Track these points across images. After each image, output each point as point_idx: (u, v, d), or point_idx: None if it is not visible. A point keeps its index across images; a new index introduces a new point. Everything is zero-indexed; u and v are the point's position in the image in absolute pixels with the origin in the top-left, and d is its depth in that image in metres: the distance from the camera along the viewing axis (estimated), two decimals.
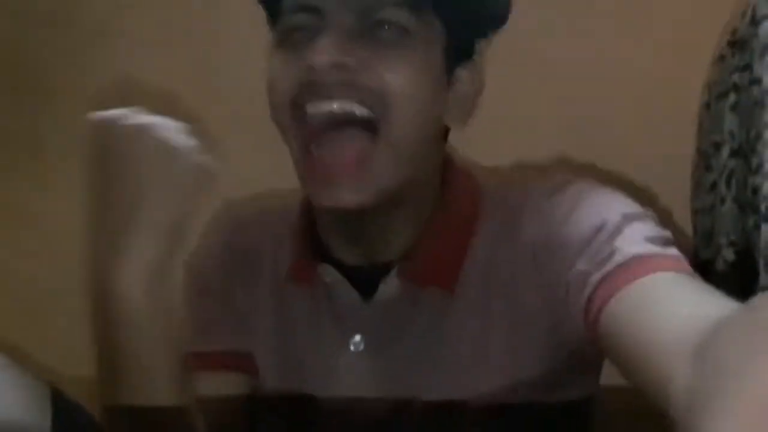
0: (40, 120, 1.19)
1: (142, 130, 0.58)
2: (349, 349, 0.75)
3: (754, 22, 0.85)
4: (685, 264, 0.63)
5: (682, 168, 0.95)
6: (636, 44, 1.03)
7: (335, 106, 0.66)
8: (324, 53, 0.64)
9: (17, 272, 1.22)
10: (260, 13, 0.75)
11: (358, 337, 0.74)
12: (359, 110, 0.66)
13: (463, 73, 0.72)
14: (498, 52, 1.00)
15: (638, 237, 0.64)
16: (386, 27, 0.66)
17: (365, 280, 0.74)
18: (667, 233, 0.66)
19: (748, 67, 0.86)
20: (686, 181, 0.95)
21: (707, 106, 0.93)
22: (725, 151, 0.88)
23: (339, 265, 0.75)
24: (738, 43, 0.88)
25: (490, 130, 0.91)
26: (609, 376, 0.75)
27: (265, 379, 0.78)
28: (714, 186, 0.89)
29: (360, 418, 0.74)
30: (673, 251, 0.64)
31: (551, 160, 1.03)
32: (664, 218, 0.70)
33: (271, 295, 0.79)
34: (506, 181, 0.78)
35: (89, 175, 0.60)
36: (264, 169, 0.92)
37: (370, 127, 0.67)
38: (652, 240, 0.64)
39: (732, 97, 0.88)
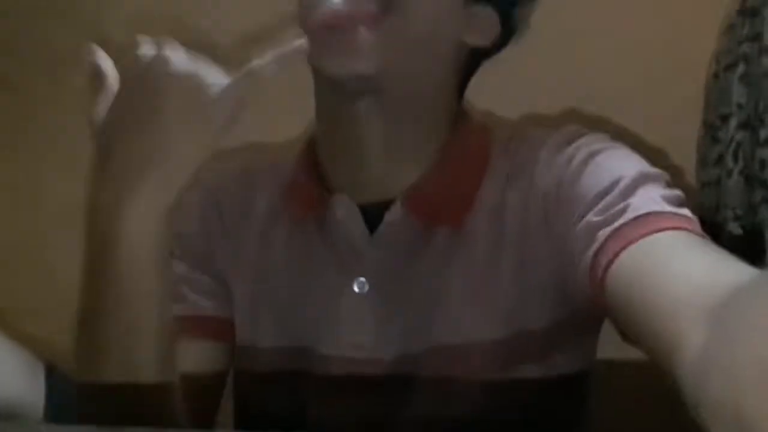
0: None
1: (169, 61, 0.57)
2: (353, 290, 0.72)
3: None
4: (697, 225, 0.61)
5: (691, 130, 0.94)
6: (646, 12, 1.01)
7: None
8: None
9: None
10: None
11: (362, 278, 0.72)
12: (366, 5, 0.67)
13: (479, 12, 0.73)
14: None
15: (653, 195, 0.62)
16: None
17: (371, 219, 0.72)
18: (681, 194, 0.65)
19: (757, 37, 0.84)
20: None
21: (715, 76, 0.91)
22: (733, 123, 0.86)
23: None
24: (748, 12, 0.86)
25: (501, 84, 0.90)
26: (605, 350, 0.75)
27: (258, 335, 0.77)
28: (720, 159, 0.88)
29: (357, 378, 0.73)
30: (686, 212, 0.62)
31: (562, 112, 1.01)
32: (675, 177, 0.69)
33: (260, 247, 0.77)
34: (520, 130, 0.77)
35: (107, 104, 0.57)
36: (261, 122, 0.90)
37: (379, 15, 0.67)
38: (666, 199, 0.62)
39: (741, 68, 0.86)
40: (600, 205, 0.63)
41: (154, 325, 0.59)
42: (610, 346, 0.68)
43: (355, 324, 0.73)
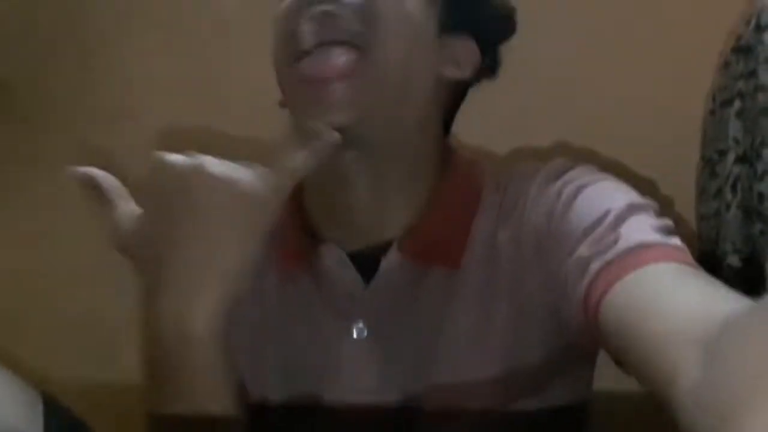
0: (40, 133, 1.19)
1: (205, 167, 0.58)
2: (352, 336, 0.73)
3: (760, 28, 0.85)
4: (688, 256, 0.62)
5: (684, 160, 0.95)
6: (640, 46, 1.03)
7: (322, 37, 0.68)
8: (307, 35, 0.67)
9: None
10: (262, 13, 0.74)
11: (360, 324, 0.73)
12: (346, 34, 0.67)
13: (455, 41, 0.73)
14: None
15: (643, 225, 0.63)
16: None
17: (365, 264, 0.73)
18: (670, 223, 0.65)
19: (753, 74, 0.86)
20: (688, 172, 0.94)
21: (712, 113, 0.92)
22: (730, 158, 0.87)
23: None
24: (743, 50, 0.87)
25: (489, 118, 0.91)
26: (602, 379, 0.75)
27: (263, 380, 0.77)
28: (719, 192, 0.89)
29: (361, 421, 0.73)
30: (677, 242, 0.63)
31: (551, 146, 1.03)
32: (665, 207, 0.69)
33: (252, 300, 0.77)
34: (509, 165, 0.77)
35: (150, 215, 0.59)
36: None
37: (357, 43, 0.68)
38: (656, 229, 0.63)
39: (737, 104, 0.87)
40: (590, 238, 0.63)
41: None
42: (608, 378, 0.69)
43: (357, 369, 0.73)
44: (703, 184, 0.93)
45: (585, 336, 0.63)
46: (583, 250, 0.63)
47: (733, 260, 0.86)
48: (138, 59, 1.15)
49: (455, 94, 0.78)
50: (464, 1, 0.74)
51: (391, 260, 0.72)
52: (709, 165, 0.91)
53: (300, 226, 0.76)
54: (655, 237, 0.62)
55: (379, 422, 0.72)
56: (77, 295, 1.19)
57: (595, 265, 0.61)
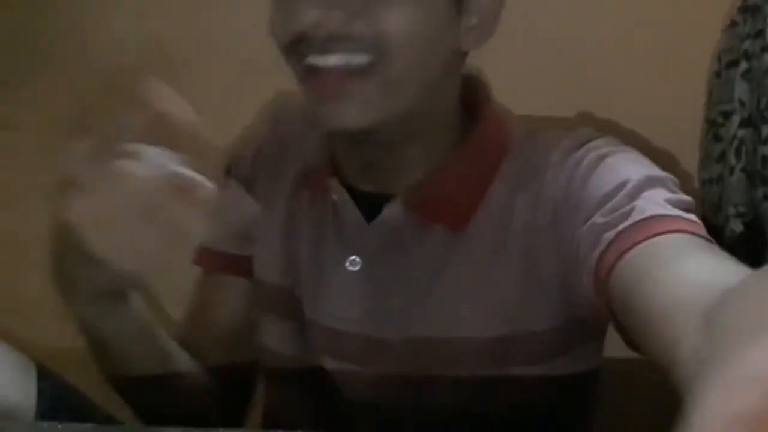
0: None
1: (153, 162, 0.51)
2: (346, 267, 0.74)
3: None
4: (702, 229, 0.61)
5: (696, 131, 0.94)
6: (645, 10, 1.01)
7: (330, 60, 0.64)
8: (309, 10, 0.63)
9: None
10: None
11: (355, 258, 0.74)
12: (356, 59, 0.64)
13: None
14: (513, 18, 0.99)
15: (659, 198, 0.62)
16: None
17: (372, 205, 0.73)
18: (689, 199, 0.64)
19: (760, 34, 0.84)
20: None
21: (717, 74, 0.91)
22: (735, 121, 0.86)
23: (348, 187, 0.75)
24: (750, 9, 0.86)
25: (508, 86, 0.89)
26: (613, 348, 0.75)
27: (265, 278, 0.81)
28: (723, 156, 0.88)
29: (345, 348, 0.75)
30: (692, 216, 0.62)
31: (574, 116, 1.01)
32: (685, 182, 0.68)
33: (287, 197, 0.80)
34: (534, 132, 0.75)
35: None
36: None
37: (369, 67, 0.65)
38: (672, 203, 0.62)
39: (743, 65, 0.86)
40: (605, 208, 0.63)
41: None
42: (618, 346, 0.68)
43: (343, 298, 0.75)
44: (706, 147, 0.92)
45: (594, 307, 0.63)
46: (596, 218, 0.63)
47: (736, 224, 0.86)
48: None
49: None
50: None
51: (393, 208, 0.72)
52: (714, 128, 0.90)
53: (323, 152, 0.77)
54: (668, 210, 0.61)
55: (348, 353, 0.74)
56: None
57: (607, 235, 0.60)
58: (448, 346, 0.71)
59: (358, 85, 0.65)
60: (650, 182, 0.64)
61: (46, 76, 1.14)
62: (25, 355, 0.68)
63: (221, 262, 0.82)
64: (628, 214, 0.61)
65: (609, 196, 0.63)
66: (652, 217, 0.60)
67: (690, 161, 0.96)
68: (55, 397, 0.67)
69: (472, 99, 0.75)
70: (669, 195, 0.63)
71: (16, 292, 1.14)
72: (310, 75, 0.66)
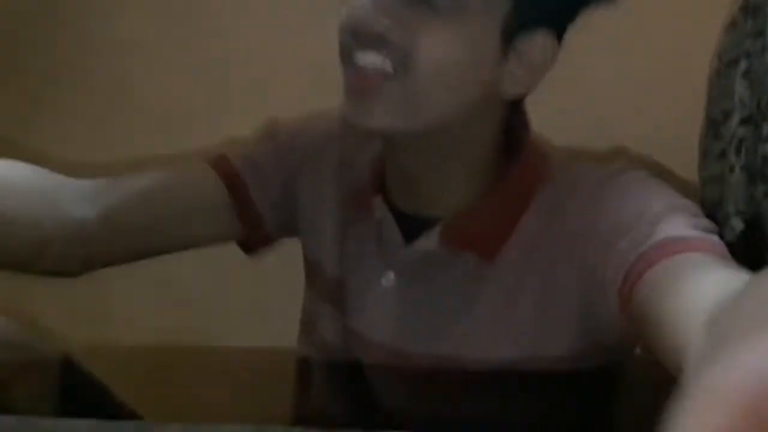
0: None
1: None
2: (381, 283, 0.78)
3: None
4: (724, 249, 0.62)
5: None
6: (645, 11, 1.01)
7: (364, 58, 0.69)
8: (360, 11, 0.68)
9: None
10: None
11: (391, 274, 0.78)
12: (387, 64, 0.68)
13: (527, 44, 0.71)
14: None
15: (680, 223, 0.64)
16: None
17: (412, 226, 0.76)
18: (710, 223, 0.66)
19: (761, 33, 0.84)
20: None
21: (717, 73, 0.91)
22: (735, 119, 0.87)
23: (392, 206, 0.78)
24: (750, 9, 0.86)
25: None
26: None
27: (321, 264, 0.83)
28: (723, 154, 0.88)
29: (376, 357, 0.78)
30: (714, 237, 0.64)
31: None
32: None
33: (336, 199, 0.83)
34: (569, 165, 0.77)
35: None
36: None
37: (394, 74, 0.68)
38: (693, 225, 0.64)
39: (743, 64, 0.86)
40: (629, 234, 0.64)
41: None
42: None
43: (378, 312, 0.78)
44: (706, 145, 0.92)
45: (616, 332, 0.66)
46: (620, 245, 0.65)
47: (737, 223, 0.86)
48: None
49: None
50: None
51: (430, 237, 0.75)
52: (714, 126, 0.91)
53: (373, 171, 0.80)
54: (689, 231, 0.63)
55: (387, 362, 0.77)
56: None
57: (630, 257, 0.63)
58: (470, 364, 0.74)
59: (386, 87, 0.68)
60: (672, 209, 0.65)
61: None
62: (50, 345, 0.70)
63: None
64: (648, 237, 0.62)
65: (630, 225, 0.65)
66: (674, 238, 0.61)
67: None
68: (80, 389, 0.69)
69: (515, 130, 0.77)
70: (689, 220, 0.65)
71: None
72: (348, 72, 0.70)
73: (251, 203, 0.84)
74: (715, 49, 0.93)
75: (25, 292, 1.14)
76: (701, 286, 0.54)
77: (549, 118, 1.00)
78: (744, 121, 0.86)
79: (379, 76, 0.68)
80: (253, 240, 0.87)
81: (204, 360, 1.17)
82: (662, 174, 0.74)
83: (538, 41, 0.71)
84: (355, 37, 0.69)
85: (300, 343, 0.88)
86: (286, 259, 0.90)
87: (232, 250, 0.99)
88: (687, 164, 0.95)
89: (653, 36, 1.00)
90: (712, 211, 0.90)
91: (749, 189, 0.85)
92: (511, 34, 0.69)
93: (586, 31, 0.99)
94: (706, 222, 0.66)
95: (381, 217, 0.78)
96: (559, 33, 0.72)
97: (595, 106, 1.02)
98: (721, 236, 0.87)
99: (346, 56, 0.70)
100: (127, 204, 0.79)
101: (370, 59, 0.68)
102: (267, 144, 0.86)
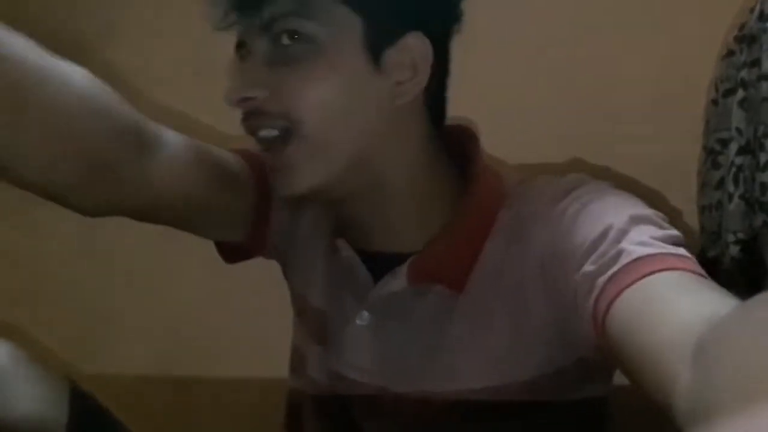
0: None
1: None
2: (357, 322, 0.77)
3: (763, 17, 0.84)
4: (694, 264, 0.61)
5: (691, 168, 0.95)
6: (643, 43, 1.02)
7: (261, 134, 0.71)
8: (233, 90, 0.69)
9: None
10: None
11: (365, 314, 0.77)
12: (272, 133, 0.70)
13: (395, 54, 0.71)
14: (503, 54, 1.00)
15: (645, 237, 0.62)
16: (295, 38, 0.68)
17: (382, 264, 0.76)
18: (676, 233, 0.64)
19: (756, 63, 0.85)
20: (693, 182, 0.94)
21: (714, 102, 0.92)
22: (733, 148, 0.87)
23: (357, 247, 0.78)
24: (746, 39, 0.87)
25: (501, 131, 0.90)
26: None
27: (308, 298, 0.83)
28: (721, 183, 0.88)
29: (359, 395, 0.77)
30: (682, 251, 0.62)
31: (566, 162, 1.03)
32: (674, 219, 0.68)
33: (317, 239, 0.84)
34: (525, 182, 0.77)
35: None
36: None
37: (286, 138, 0.70)
38: (659, 239, 0.62)
39: (740, 93, 0.87)
40: (594, 255, 0.63)
41: None
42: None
43: (355, 350, 0.78)
44: (704, 175, 0.92)
45: (596, 352, 0.64)
46: (587, 267, 0.63)
47: (735, 251, 0.86)
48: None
49: (430, 96, 0.75)
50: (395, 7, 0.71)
51: (397, 278, 0.75)
52: (712, 155, 0.91)
53: (332, 216, 0.81)
54: (656, 248, 0.61)
55: (369, 400, 0.77)
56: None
57: (600, 281, 0.61)
58: (449, 396, 0.73)
59: (288, 153, 0.70)
60: (634, 222, 0.64)
61: None
62: (59, 375, 0.70)
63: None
64: (617, 258, 0.61)
65: (596, 243, 0.63)
66: (641, 258, 0.60)
67: (678, 200, 0.97)
68: (87, 416, 0.68)
69: (463, 153, 0.77)
70: (655, 231, 0.63)
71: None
72: (260, 146, 0.72)
73: (267, 193, 0.83)
74: (711, 79, 0.93)
75: (26, 321, 1.15)
76: (681, 310, 0.53)
77: (546, 143, 1.02)
78: (741, 150, 0.86)
79: (278, 146, 0.70)
80: (251, 237, 0.85)
81: (205, 389, 1.16)
82: (622, 183, 0.73)
83: (405, 46, 0.71)
84: (244, 116, 0.71)
85: (290, 380, 0.87)
86: (283, 289, 0.89)
87: (232, 282, 1.00)
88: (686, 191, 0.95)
89: (652, 62, 1.01)
90: (711, 240, 0.90)
91: (747, 218, 0.85)
92: (375, 50, 0.70)
93: (583, 56, 1.02)
94: (672, 232, 0.64)
95: (348, 258, 0.78)
96: (430, 28, 0.72)
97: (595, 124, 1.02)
98: (720, 264, 0.88)
99: (251, 133, 0.72)
100: (182, 168, 0.76)
101: (263, 134, 0.70)
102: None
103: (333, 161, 0.70)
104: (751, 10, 0.87)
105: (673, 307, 0.54)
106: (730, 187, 0.87)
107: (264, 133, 0.70)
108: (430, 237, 0.74)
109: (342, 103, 0.69)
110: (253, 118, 0.70)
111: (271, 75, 0.69)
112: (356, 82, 0.70)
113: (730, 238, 0.86)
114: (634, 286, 0.58)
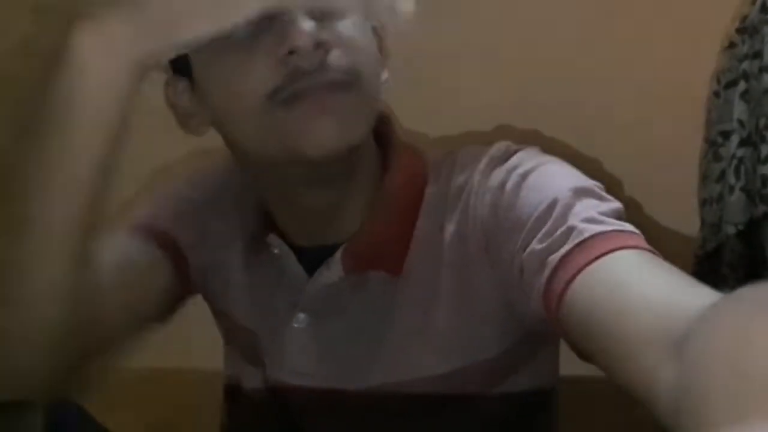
0: None
1: None
2: (294, 326, 0.74)
3: (765, 8, 0.84)
4: (643, 240, 0.60)
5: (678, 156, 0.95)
6: (642, 31, 1.01)
7: (318, 79, 0.64)
8: (305, 35, 0.63)
9: None
10: None
11: (302, 315, 0.74)
12: (339, 77, 0.64)
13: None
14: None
15: (592, 212, 0.61)
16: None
17: (315, 259, 0.73)
18: (618, 205, 0.64)
19: (758, 55, 0.85)
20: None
21: (716, 94, 0.92)
22: (734, 140, 0.87)
23: (288, 243, 0.75)
24: (748, 30, 0.87)
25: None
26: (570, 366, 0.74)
27: (233, 316, 0.79)
28: (722, 175, 0.88)
29: (306, 402, 0.75)
30: (629, 227, 0.61)
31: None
32: (614, 188, 0.68)
33: (240, 252, 0.79)
34: (451, 153, 0.75)
35: None
36: None
37: (349, 84, 0.65)
38: (606, 214, 0.61)
39: (741, 85, 0.87)
40: (542, 232, 0.62)
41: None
42: (575, 364, 0.67)
43: (296, 354, 0.75)
44: (706, 167, 0.92)
45: (546, 327, 0.63)
46: (535, 244, 0.61)
47: (735, 243, 0.86)
48: None
49: None
50: None
51: (332, 268, 0.72)
52: (713, 147, 0.91)
53: (259, 213, 0.76)
54: (605, 225, 0.60)
55: (319, 405, 0.74)
56: None
57: (551, 260, 0.60)
58: (404, 388, 0.71)
59: (341, 99, 0.64)
60: (577, 195, 0.63)
61: None
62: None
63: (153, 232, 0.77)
64: (567, 236, 0.60)
65: (542, 220, 0.62)
66: (594, 236, 0.59)
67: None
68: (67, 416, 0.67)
69: (381, 134, 0.74)
70: (600, 206, 0.62)
71: None
72: (296, 100, 0.64)
73: (180, 250, 0.78)
74: (713, 71, 0.93)
75: None
76: (649, 297, 0.52)
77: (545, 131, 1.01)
78: (743, 143, 0.86)
79: (334, 91, 0.64)
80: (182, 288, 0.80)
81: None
82: (550, 147, 0.72)
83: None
84: (298, 59, 0.63)
85: (224, 412, 0.84)
86: None
87: None
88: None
89: (654, 56, 1.01)
90: (712, 232, 0.90)
91: (748, 210, 0.85)
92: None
93: (586, 48, 1.01)
94: (614, 205, 0.63)
95: (280, 253, 0.74)
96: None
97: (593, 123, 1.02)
98: (721, 256, 0.88)
99: (288, 82, 0.64)
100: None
101: (326, 77, 0.64)
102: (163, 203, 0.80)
103: (370, 119, 0.68)
104: (753, 2, 0.86)
105: (640, 293, 0.53)
106: (732, 179, 0.86)
107: (331, 75, 0.64)
108: (360, 223, 0.72)
109: (377, 72, 0.69)
110: (316, 60, 0.63)
111: (328, 26, 0.65)
112: (377, 58, 0.70)
113: (731, 229, 0.86)
114: (591, 267, 0.57)
